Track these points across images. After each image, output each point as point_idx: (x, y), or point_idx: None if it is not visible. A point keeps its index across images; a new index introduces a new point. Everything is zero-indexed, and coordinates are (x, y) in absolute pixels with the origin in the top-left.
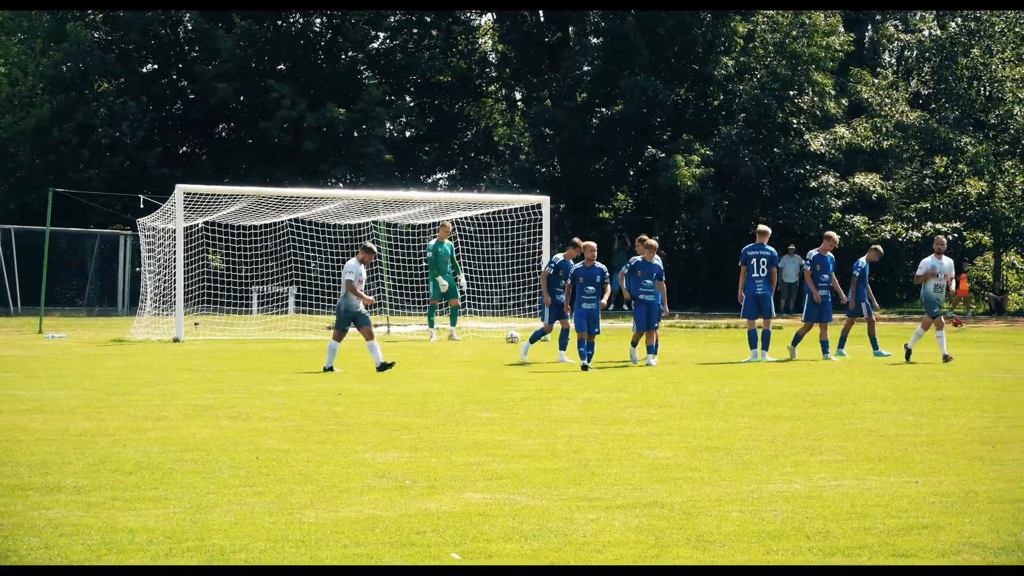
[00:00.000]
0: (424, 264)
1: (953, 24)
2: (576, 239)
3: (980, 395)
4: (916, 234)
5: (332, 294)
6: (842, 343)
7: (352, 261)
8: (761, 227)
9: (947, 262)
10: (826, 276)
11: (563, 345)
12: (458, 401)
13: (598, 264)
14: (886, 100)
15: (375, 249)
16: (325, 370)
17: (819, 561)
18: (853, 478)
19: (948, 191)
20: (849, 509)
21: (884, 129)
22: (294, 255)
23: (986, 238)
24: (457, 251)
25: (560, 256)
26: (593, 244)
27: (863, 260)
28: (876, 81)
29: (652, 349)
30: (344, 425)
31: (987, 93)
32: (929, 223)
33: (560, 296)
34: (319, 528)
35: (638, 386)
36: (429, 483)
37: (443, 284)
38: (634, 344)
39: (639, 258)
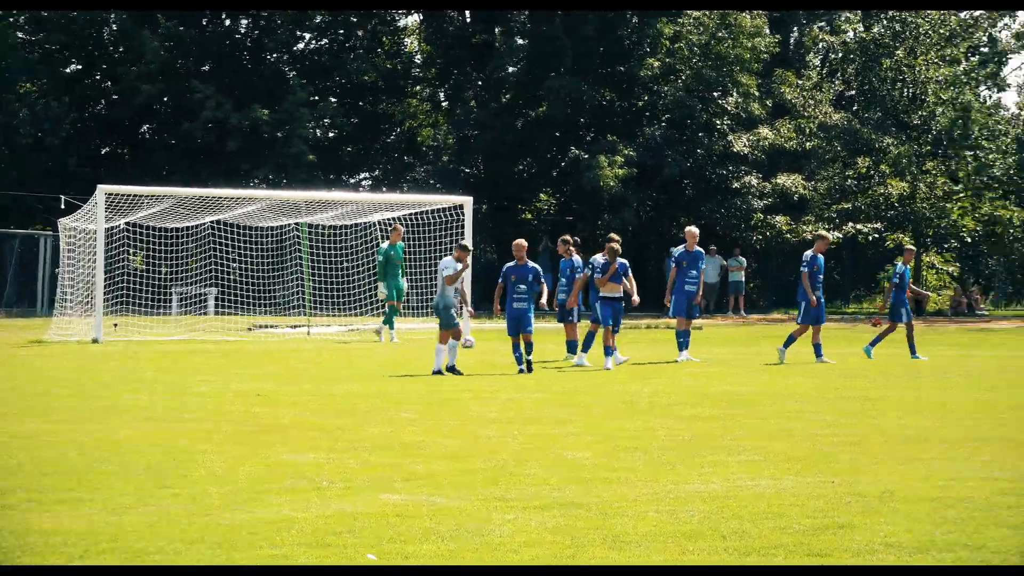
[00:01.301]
0: (372, 265)
1: (878, 26)
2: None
3: (899, 395)
4: (837, 235)
5: (252, 295)
6: (875, 342)
7: (448, 259)
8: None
9: None
10: (820, 277)
11: (586, 347)
12: (378, 402)
13: (530, 263)
14: (810, 101)
15: (470, 247)
16: (434, 373)
17: (735, 561)
18: (770, 478)
19: (870, 192)
20: (766, 509)
21: (807, 130)
22: (215, 256)
23: (907, 239)
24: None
25: (599, 257)
26: (523, 242)
27: (900, 264)
28: (800, 82)
29: (608, 350)
30: (262, 426)
31: (910, 94)
32: (850, 223)
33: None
34: (235, 529)
35: (558, 387)
36: (346, 484)
37: (382, 292)
38: (606, 343)
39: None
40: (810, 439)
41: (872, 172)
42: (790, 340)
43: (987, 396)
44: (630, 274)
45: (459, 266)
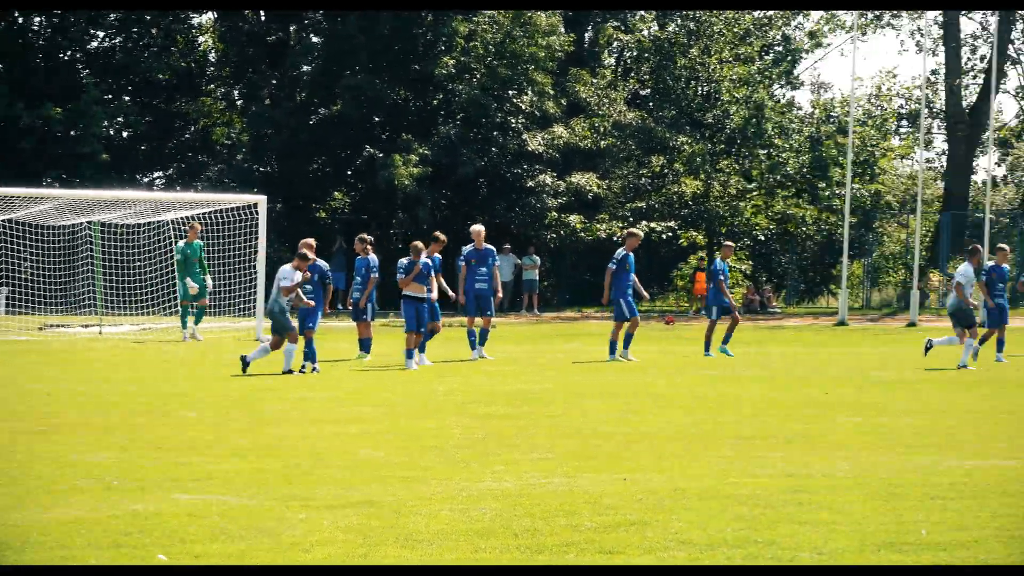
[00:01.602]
0: (165, 264)
1: (673, 24)
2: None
3: (691, 392)
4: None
5: (44, 294)
6: (726, 340)
7: (287, 267)
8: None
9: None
10: (632, 275)
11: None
12: (171, 401)
13: (318, 261)
14: (604, 100)
15: (310, 256)
16: (241, 364)
17: (527, 559)
18: (563, 476)
19: (664, 190)
20: (558, 507)
21: (602, 129)
22: (6, 255)
23: (700, 237)
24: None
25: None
26: (311, 241)
27: (719, 260)
28: (595, 81)
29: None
30: (52, 426)
31: (704, 93)
32: (644, 222)
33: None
34: (25, 530)
35: (353, 385)
36: (137, 484)
37: (192, 287)
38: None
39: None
40: (603, 437)
41: (666, 170)
42: (628, 339)
43: (778, 393)
44: (434, 273)
45: (297, 276)
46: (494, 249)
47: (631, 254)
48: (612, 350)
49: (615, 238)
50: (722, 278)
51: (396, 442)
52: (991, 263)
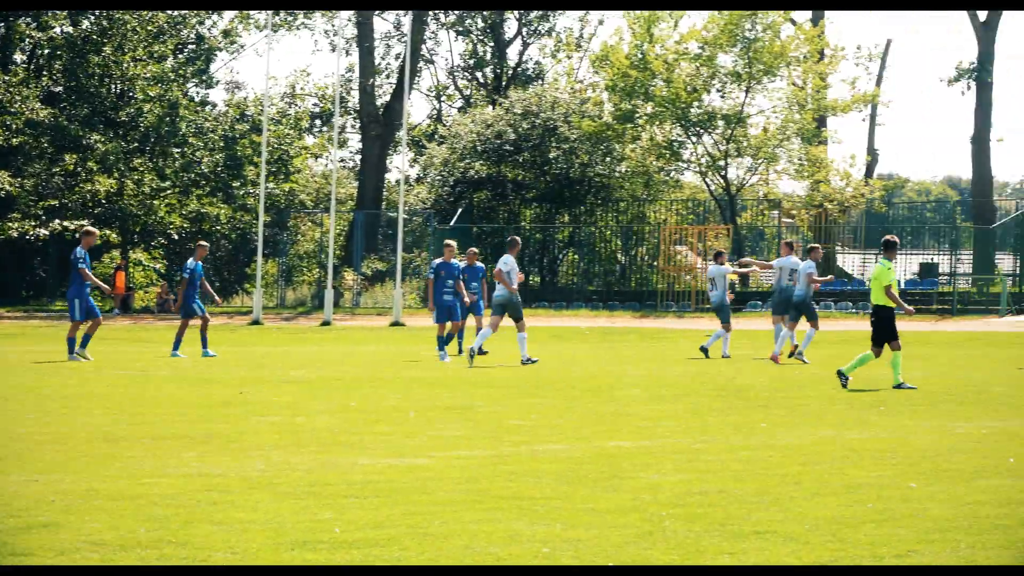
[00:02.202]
0: None
1: (87, 22)
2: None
3: (102, 392)
4: (44, 232)
5: None
6: (176, 345)
7: None
8: None
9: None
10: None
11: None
12: None
13: None
14: (16, 97)
15: None
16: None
17: None
18: None
19: (77, 188)
20: None
21: (14, 126)
22: None
23: (114, 235)
24: None
25: (438, 260)
26: None
27: (192, 261)
28: (7, 78)
29: None
30: None
31: (118, 91)
32: (57, 220)
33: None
34: None
35: None
36: None
37: None
38: None
39: None
40: (14, 437)
41: (79, 169)
42: (85, 340)
43: (194, 393)
44: None
45: None
46: None
47: (88, 252)
48: (71, 348)
49: (27, 236)
50: (187, 276)
51: None
52: (439, 260)
